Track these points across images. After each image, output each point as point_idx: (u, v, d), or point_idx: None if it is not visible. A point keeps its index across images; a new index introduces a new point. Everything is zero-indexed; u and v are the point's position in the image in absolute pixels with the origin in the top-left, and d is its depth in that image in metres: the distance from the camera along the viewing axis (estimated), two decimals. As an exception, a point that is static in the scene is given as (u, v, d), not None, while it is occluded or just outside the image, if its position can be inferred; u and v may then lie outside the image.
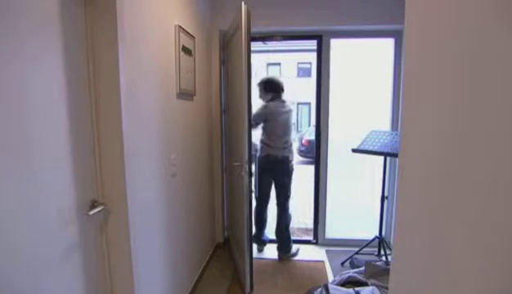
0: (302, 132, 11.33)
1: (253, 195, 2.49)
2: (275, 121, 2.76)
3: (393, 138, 2.51)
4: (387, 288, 1.86)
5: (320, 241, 3.12)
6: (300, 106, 17.92)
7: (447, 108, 0.72)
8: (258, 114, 2.77)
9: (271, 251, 2.98)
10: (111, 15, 1.24)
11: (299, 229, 3.62)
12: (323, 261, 2.80)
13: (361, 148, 2.57)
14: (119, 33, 1.25)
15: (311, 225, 3.46)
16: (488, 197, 0.60)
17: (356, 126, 2.94)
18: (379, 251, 2.71)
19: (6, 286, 0.88)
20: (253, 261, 2.30)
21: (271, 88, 2.84)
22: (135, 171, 1.42)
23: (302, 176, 6.02)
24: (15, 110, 0.90)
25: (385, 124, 2.92)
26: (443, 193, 0.74)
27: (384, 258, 2.61)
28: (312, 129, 9.56)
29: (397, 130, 2.77)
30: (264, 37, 3.00)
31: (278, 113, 2.77)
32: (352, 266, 2.58)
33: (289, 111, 2.83)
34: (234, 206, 2.87)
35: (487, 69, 0.60)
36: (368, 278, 2.14)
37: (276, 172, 2.82)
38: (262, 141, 2.85)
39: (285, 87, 2.90)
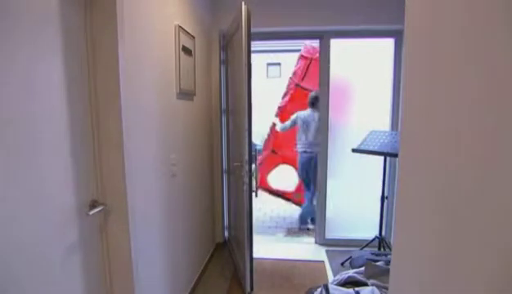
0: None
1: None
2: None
3: (393, 138, 2.51)
4: (387, 288, 1.86)
5: (320, 241, 3.12)
6: (300, 106, 17.80)
7: (447, 107, 0.72)
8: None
9: (271, 251, 2.98)
10: (111, 15, 1.24)
11: (300, 230, 3.62)
12: (323, 261, 2.80)
13: (361, 148, 2.57)
14: (118, 33, 1.25)
15: (311, 225, 3.47)
16: (489, 196, 0.60)
17: (356, 126, 2.94)
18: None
19: (7, 286, 0.88)
20: (253, 261, 2.30)
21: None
22: (135, 171, 1.42)
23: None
24: (15, 111, 0.90)
25: (385, 124, 2.92)
26: (443, 192, 0.74)
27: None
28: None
29: (397, 130, 2.77)
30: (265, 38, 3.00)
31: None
32: (352, 266, 2.58)
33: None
34: (234, 206, 2.87)
35: (488, 68, 0.60)
36: (368, 278, 2.14)
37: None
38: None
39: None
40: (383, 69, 2.91)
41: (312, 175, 3.47)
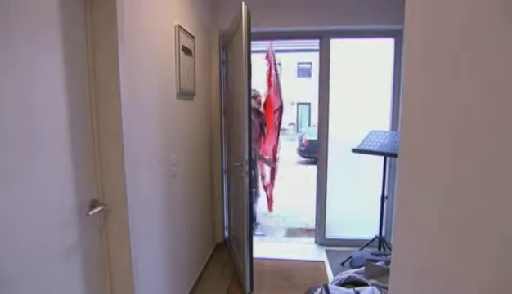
0: (302, 132, 11.27)
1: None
2: None
3: (393, 138, 2.51)
4: (387, 288, 1.86)
5: (320, 241, 3.12)
6: (300, 106, 17.87)
7: (448, 107, 0.72)
8: None
9: (271, 251, 2.98)
10: (111, 15, 1.24)
11: (300, 230, 3.62)
12: (323, 261, 2.80)
13: (361, 148, 2.57)
14: (118, 33, 1.25)
15: (311, 225, 3.47)
16: (490, 195, 0.60)
17: (356, 126, 2.94)
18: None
19: (7, 286, 0.88)
20: (253, 261, 2.30)
21: None
22: (135, 171, 1.41)
23: (302, 176, 6.03)
24: (15, 111, 0.90)
25: (385, 124, 2.92)
26: (444, 192, 0.74)
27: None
28: (313, 129, 9.52)
29: (397, 130, 2.77)
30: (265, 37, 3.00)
31: None
32: (352, 266, 2.58)
33: None
34: (234, 206, 2.87)
35: (489, 66, 0.60)
36: (368, 278, 2.14)
37: None
38: None
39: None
40: (383, 69, 2.90)
41: None
